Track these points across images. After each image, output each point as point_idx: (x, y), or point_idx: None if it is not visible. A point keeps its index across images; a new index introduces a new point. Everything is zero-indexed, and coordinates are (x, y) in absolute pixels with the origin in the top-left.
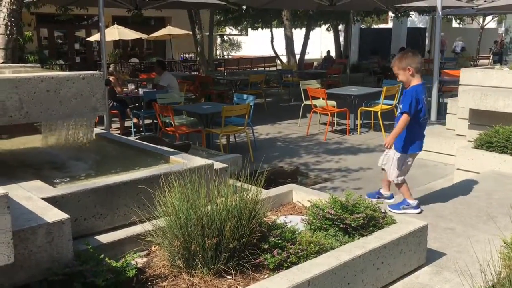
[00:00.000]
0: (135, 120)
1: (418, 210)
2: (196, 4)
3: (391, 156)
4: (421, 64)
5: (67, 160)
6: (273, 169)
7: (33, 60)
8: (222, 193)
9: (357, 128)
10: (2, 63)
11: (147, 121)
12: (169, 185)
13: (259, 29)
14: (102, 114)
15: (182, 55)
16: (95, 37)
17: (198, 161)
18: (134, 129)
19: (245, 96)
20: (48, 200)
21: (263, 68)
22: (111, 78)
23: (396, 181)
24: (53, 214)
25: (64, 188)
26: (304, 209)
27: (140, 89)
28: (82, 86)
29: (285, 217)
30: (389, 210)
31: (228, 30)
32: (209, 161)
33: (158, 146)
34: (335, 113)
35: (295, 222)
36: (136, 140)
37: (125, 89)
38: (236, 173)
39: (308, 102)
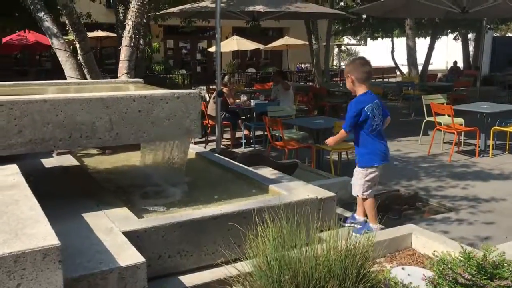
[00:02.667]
0: (246, 132)
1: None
2: (314, 15)
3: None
4: (367, 74)
5: (160, 183)
6: (388, 193)
7: (159, 69)
8: (325, 236)
9: (489, 150)
10: (126, 74)
11: (258, 133)
12: (264, 222)
13: (379, 38)
14: (196, 136)
15: (298, 65)
16: (214, 48)
17: (300, 193)
18: (245, 141)
19: None
20: (130, 233)
21: (381, 80)
22: (224, 89)
23: (361, 195)
24: (129, 256)
25: (148, 221)
26: (426, 259)
27: (252, 101)
28: (176, 106)
29: (402, 268)
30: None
31: (346, 39)
32: (312, 195)
33: (258, 172)
34: (462, 132)
35: (415, 276)
36: (235, 163)
37: (237, 100)
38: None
39: (431, 119)
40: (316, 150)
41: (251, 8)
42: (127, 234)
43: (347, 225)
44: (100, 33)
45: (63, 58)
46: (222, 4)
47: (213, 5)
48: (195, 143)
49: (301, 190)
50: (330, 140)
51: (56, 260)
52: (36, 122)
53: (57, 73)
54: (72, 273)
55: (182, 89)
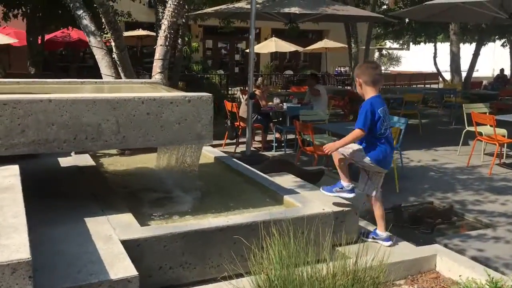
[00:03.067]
0: (277, 135)
1: (352, 195)
2: (352, 18)
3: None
4: (377, 77)
5: (171, 188)
6: (420, 205)
7: (197, 69)
8: (338, 254)
9: None
10: (159, 73)
11: (290, 137)
12: (272, 236)
13: (421, 43)
14: (208, 142)
15: (337, 69)
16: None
17: (315, 206)
18: (276, 144)
19: (395, 118)
20: (130, 242)
21: (422, 85)
22: (257, 92)
23: (347, 155)
24: (122, 268)
25: (150, 229)
26: (451, 284)
27: (285, 104)
28: (187, 110)
29: None
30: (323, 193)
31: (388, 43)
32: (327, 209)
33: (277, 180)
34: (505, 144)
35: None
36: (253, 170)
37: (270, 103)
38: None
39: (472, 129)
40: None
41: (286, 10)
42: (126, 242)
43: (369, 240)
44: (141, 32)
45: (99, 56)
46: (257, 5)
47: (249, 6)
48: (225, 144)
49: (317, 203)
50: (333, 145)
51: (26, 276)
52: (40, 122)
53: (99, 69)
54: (59, 284)
55: (195, 93)
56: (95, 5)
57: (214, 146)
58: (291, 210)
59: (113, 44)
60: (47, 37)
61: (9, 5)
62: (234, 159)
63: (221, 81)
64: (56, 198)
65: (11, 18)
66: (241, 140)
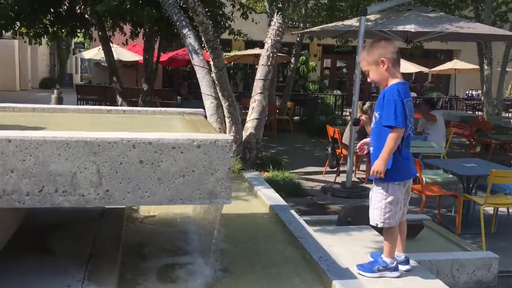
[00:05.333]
0: None
1: (397, 273)
2: (480, 36)
3: (371, 193)
4: (399, 55)
5: (190, 251)
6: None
7: (313, 89)
8: None
9: None
10: (259, 93)
11: None
12: None
13: None
14: (224, 203)
15: (468, 92)
16: None
17: None
18: None
19: None
20: None
21: None
22: (363, 117)
23: (381, 224)
24: None
25: None
26: None
27: None
28: (196, 158)
29: None
30: (359, 273)
31: None
32: None
33: (329, 253)
34: None
35: None
36: (308, 231)
37: None
38: None
39: None
40: (464, 201)
41: (400, 28)
42: None
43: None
44: (257, 51)
45: (201, 75)
46: (369, 23)
47: (358, 24)
48: (326, 173)
49: None
50: (380, 164)
51: None
52: None
53: None
54: None
55: (208, 135)
56: (195, 23)
57: (314, 173)
58: None
59: (211, 63)
60: (169, 55)
61: (135, 24)
62: (292, 211)
63: (336, 101)
64: (46, 254)
65: (138, 36)
66: (342, 169)
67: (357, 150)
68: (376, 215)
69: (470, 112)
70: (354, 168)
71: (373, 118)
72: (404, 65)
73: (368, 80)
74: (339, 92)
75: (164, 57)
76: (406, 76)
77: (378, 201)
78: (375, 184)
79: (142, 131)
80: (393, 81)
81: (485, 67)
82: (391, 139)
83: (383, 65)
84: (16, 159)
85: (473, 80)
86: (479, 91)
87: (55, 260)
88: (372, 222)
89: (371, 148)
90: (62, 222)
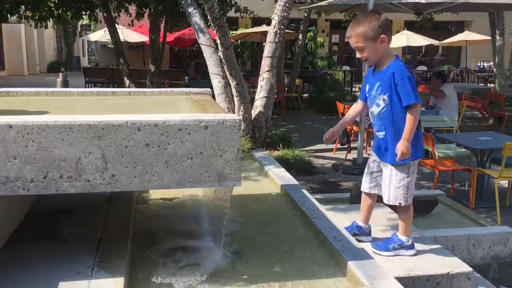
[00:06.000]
0: None
1: (413, 251)
2: (491, 6)
3: (386, 173)
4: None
5: (202, 232)
6: None
7: (322, 65)
8: None
9: None
10: (268, 71)
11: None
12: None
13: None
14: (235, 185)
15: (479, 64)
16: None
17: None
18: None
19: None
20: None
21: None
22: None
23: (404, 203)
24: None
25: None
26: None
27: None
28: (203, 139)
29: None
30: (374, 252)
31: None
32: None
33: (343, 233)
34: None
35: None
36: (322, 211)
37: None
38: None
39: None
40: (477, 175)
41: (410, 0)
42: None
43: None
44: (265, 28)
45: (207, 54)
46: None
47: None
48: (336, 150)
49: (394, 283)
50: (405, 146)
51: None
52: None
53: None
54: None
55: (216, 115)
56: (200, 1)
57: (324, 151)
58: None
59: (218, 41)
60: (176, 35)
61: (140, 5)
62: (304, 191)
63: (345, 77)
64: (55, 241)
65: (143, 17)
66: (353, 145)
67: (325, 141)
68: (399, 194)
69: (482, 84)
70: (365, 145)
71: (377, 101)
72: (414, 38)
73: (358, 56)
74: (348, 68)
75: (170, 37)
76: (415, 49)
77: (400, 179)
78: (392, 164)
79: (148, 113)
80: (391, 58)
81: (497, 37)
82: (413, 117)
83: (382, 43)
84: (18, 145)
85: (484, 52)
86: (491, 63)
87: (65, 246)
88: (394, 201)
89: (382, 133)
90: (71, 207)
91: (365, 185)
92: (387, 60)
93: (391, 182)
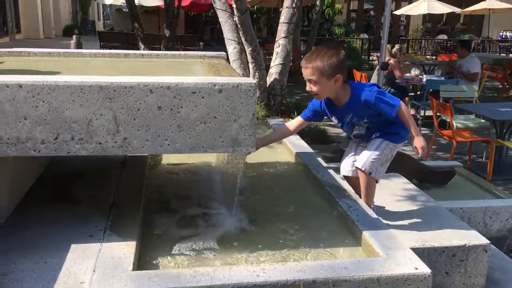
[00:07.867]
0: (412, 112)
1: None
2: None
3: (382, 145)
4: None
5: (215, 199)
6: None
7: (339, 32)
8: None
9: None
10: (284, 37)
11: (428, 113)
12: None
13: None
14: (249, 150)
15: (501, 33)
16: (402, 11)
17: (403, 260)
18: None
19: None
20: None
21: None
22: (391, 61)
23: (374, 174)
24: None
25: (139, 278)
26: None
27: (424, 76)
28: (217, 103)
29: None
30: None
31: None
32: (421, 270)
33: (358, 202)
34: None
35: None
36: (336, 179)
37: (407, 74)
38: None
39: None
40: (496, 147)
41: None
42: None
43: None
44: None
45: (223, 19)
46: None
47: None
48: None
49: (405, 262)
50: (422, 141)
51: None
52: (7, 115)
53: None
54: None
55: (231, 78)
56: None
57: None
58: (363, 263)
59: (234, 6)
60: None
61: None
62: (319, 159)
63: (363, 45)
64: (69, 203)
65: None
66: None
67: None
68: (374, 167)
69: (504, 54)
70: None
71: (358, 125)
72: (435, 6)
73: (308, 89)
74: (366, 36)
75: (185, 1)
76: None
77: (384, 155)
78: (388, 141)
79: (161, 75)
80: (348, 92)
81: None
82: (405, 114)
83: (336, 82)
84: (28, 105)
85: (508, 21)
86: None
87: (77, 209)
88: (365, 168)
89: (377, 134)
90: (84, 170)
91: (348, 168)
92: (347, 96)
93: (377, 150)
